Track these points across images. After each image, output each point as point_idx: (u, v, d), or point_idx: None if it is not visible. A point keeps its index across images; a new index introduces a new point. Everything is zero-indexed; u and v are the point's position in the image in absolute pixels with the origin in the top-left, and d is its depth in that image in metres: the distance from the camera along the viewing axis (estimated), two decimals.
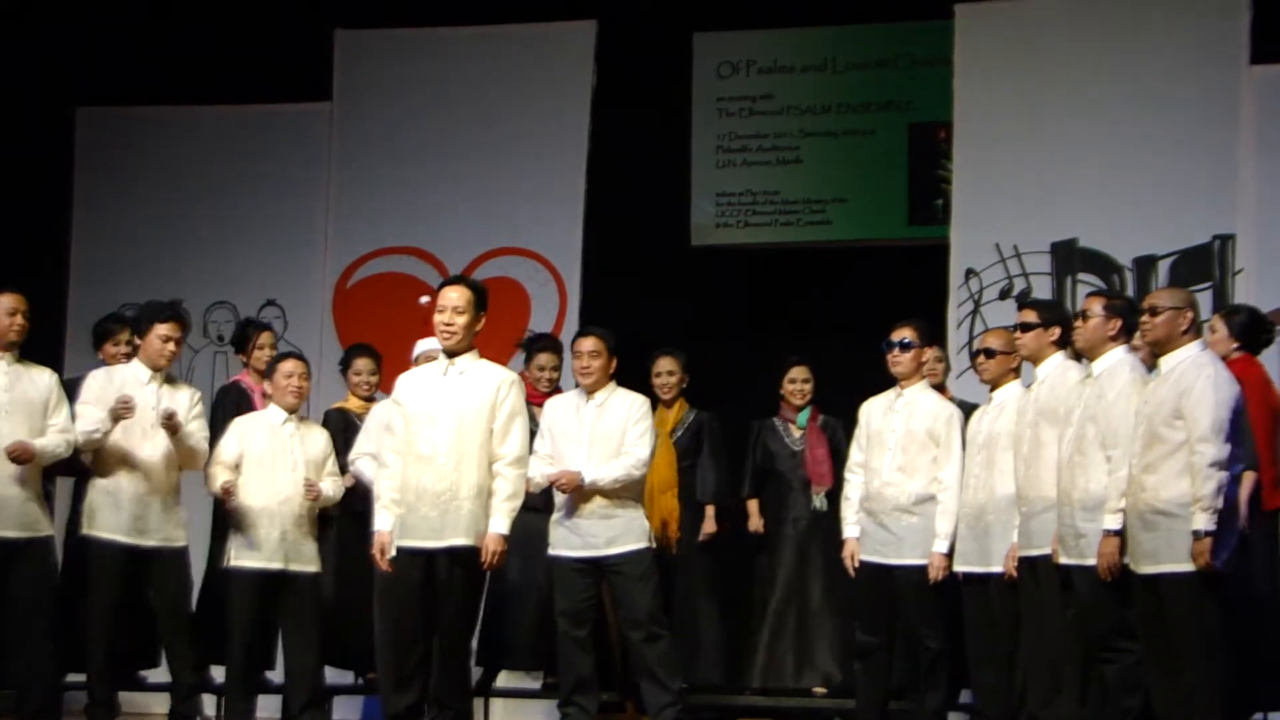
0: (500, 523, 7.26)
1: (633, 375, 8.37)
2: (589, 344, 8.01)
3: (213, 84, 11.01)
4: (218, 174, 11.03)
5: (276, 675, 8.55)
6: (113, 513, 7.92)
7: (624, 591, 7.92)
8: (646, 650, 7.89)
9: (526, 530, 7.93)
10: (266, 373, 8.32)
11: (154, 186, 11.09)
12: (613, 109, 10.60)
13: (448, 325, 7.32)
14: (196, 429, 8.13)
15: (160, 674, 8.59)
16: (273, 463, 8.09)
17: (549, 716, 8.89)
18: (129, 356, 8.35)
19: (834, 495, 8.68)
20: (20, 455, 7.69)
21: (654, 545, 8.04)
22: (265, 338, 8.92)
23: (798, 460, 9.05)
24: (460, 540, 7.21)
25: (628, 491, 7.92)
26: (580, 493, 7.86)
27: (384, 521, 7.32)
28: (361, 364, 8.93)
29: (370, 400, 8.85)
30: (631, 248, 10.69)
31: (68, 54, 10.95)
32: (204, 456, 8.12)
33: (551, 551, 8.02)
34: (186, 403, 8.13)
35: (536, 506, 8.02)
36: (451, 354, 7.36)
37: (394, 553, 7.24)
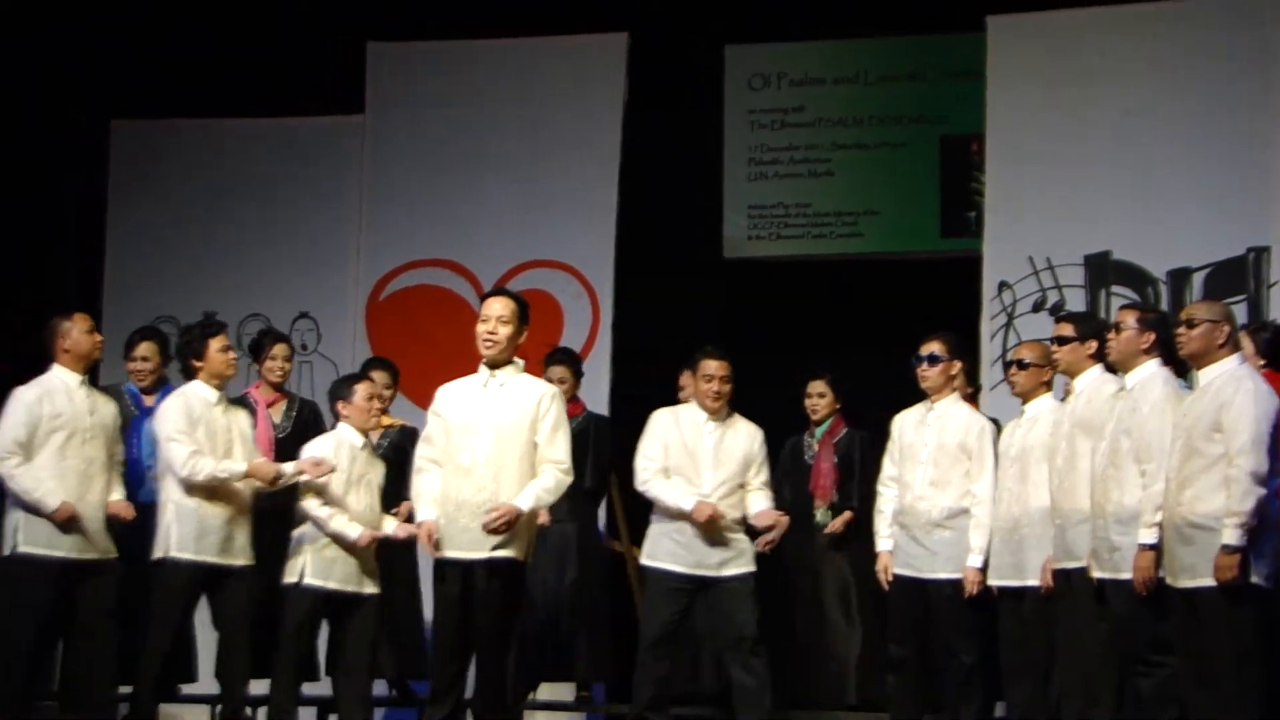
0: (525, 499, 7.23)
1: (664, 390, 8.35)
2: (726, 369, 8.02)
3: (246, 97, 11.05)
4: (251, 187, 11.07)
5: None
6: (198, 535, 7.74)
7: (730, 608, 7.88)
8: (745, 667, 7.84)
9: (565, 540, 7.93)
10: (340, 392, 8.13)
11: (188, 199, 11.14)
12: (645, 121, 10.60)
13: (491, 334, 7.33)
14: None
15: (191, 687, 8.58)
16: (355, 485, 7.95)
17: None
18: (152, 372, 8.38)
19: (839, 510, 8.79)
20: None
21: None
22: (279, 349, 8.72)
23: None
24: (499, 551, 7.20)
25: (741, 513, 8.00)
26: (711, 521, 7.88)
27: (427, 512, 7.32)
28: (377, 377, 8.86)
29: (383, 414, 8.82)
30: (664, 260, 10.70)
31: (102, 68, 11.01)
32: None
33: (653, 563, 7.97)
34: (249, 424, 8.11)
35: (561, 517, 8.03)
36: (493, 365, 7.37)
37: (441, 543, 7.23)
